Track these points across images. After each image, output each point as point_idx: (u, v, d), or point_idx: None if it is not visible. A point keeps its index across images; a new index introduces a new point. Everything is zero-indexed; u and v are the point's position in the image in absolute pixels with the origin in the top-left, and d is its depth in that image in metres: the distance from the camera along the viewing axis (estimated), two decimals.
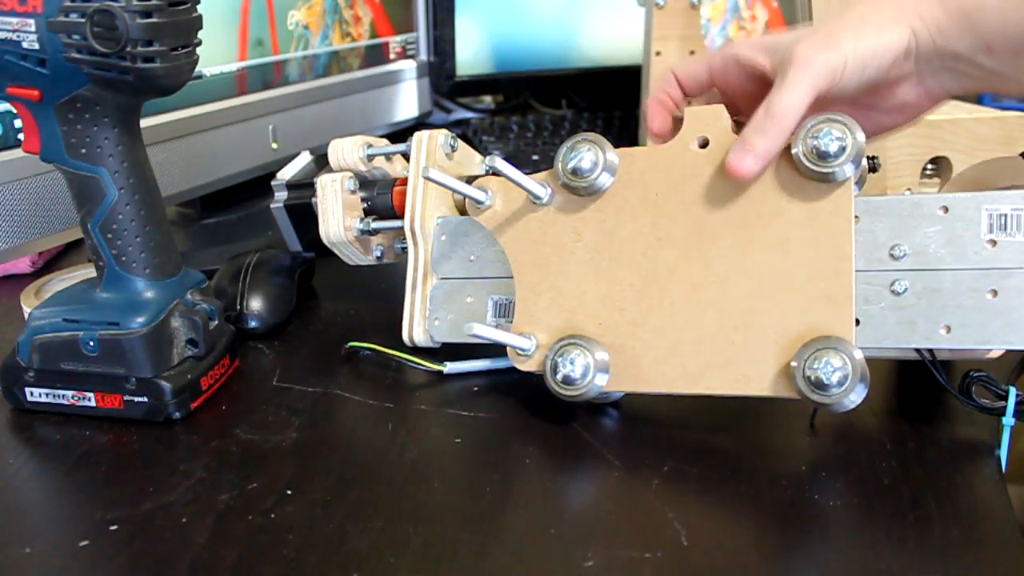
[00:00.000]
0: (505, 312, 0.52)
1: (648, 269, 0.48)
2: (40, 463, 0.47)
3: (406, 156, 0.57)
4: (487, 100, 1.29)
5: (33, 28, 0.43)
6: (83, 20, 0.42)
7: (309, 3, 0.88)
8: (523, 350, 0.49)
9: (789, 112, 0.43)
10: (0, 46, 0.44)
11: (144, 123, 0.50)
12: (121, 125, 0.47)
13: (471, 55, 1.12)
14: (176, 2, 0.44)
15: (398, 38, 1.05)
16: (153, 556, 0.39)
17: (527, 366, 0.50)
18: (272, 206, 0.65)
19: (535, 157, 0.97)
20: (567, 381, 0.47)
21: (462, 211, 0.56)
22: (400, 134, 1.11)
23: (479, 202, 0.52)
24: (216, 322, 0.52)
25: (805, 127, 0.43)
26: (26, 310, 0.62)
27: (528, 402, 0.52)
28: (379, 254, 0.60)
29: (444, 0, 1.08)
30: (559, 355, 0.48)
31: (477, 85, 1.18)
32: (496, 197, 0.52)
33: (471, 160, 0.60)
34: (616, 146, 0.49)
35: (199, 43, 0.47)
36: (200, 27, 0.47)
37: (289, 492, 0.43)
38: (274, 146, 0.84)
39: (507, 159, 0.49)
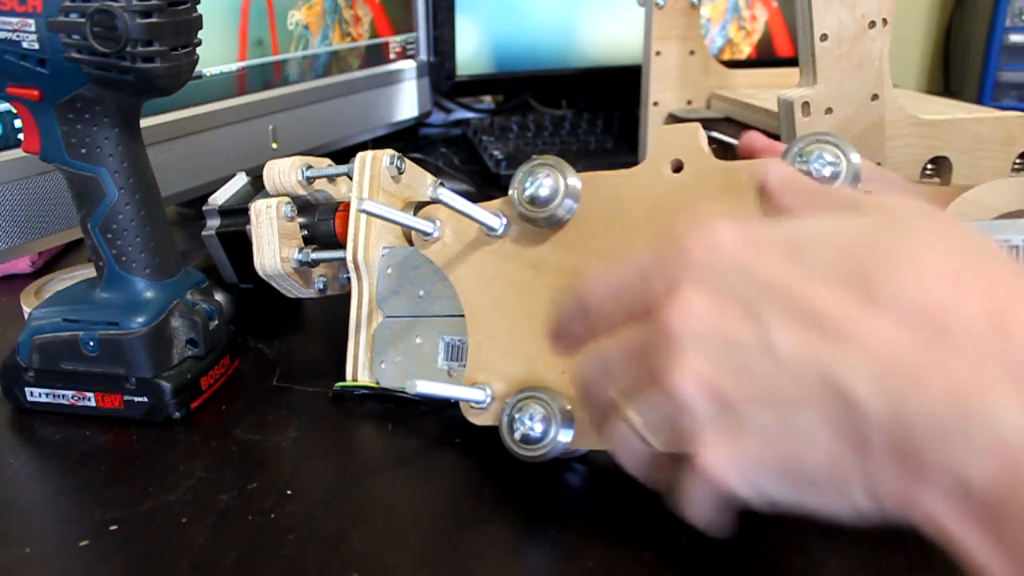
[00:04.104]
0: (458, 355, 0.48)
1: None
2: (40, 463, 0.47)
3: (352, 177, 0.53)
4: (487, 100, 1.29)
5: (33, 28, 0.43)
6: (83, 20, 0.42)
7: (309, 3, 0.88)
8: (477, 403, 0.44)
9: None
10: (0, 46, 0.44)
11: (144, 123, 0.50)
12: (121, 125, 0.47)
13: (471, 55, 1.12)
14: (176, 2, 0.44)
15: (398, 38, 1.05)
16: (153, 556, 0.39)
17: (482, 420, 0.45)
18: (203, 234, 0.60)
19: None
20: (526, 440, 0.42)
21: (411, 241, 0.51)
22: (400, 134, 1.11)
23: (426, 234, 0.46)
24: (216, 322, 0.52)
25: (792, 149, 0.39)
26: (26, 310, 0.62)
27: None
28: (321, 286, 0.56)
29: (444, 0, 1.08)
30: (516, 410, 0.42)
31: (477, 85, 1.18)
32: (445, 228, 0.46)
33: (421, 182, 0.56)
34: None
35: (199, 43, 0.47)
36: (200, 27, 0.47)
37: (289, 492, 0.43)
38: (274, 146, 0.84)
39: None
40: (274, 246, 0.53)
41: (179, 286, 0.51)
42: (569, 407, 0.43)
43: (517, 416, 0.42)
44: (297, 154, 0.56)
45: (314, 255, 0.54)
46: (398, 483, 0.44)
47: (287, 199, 0.54)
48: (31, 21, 0.43)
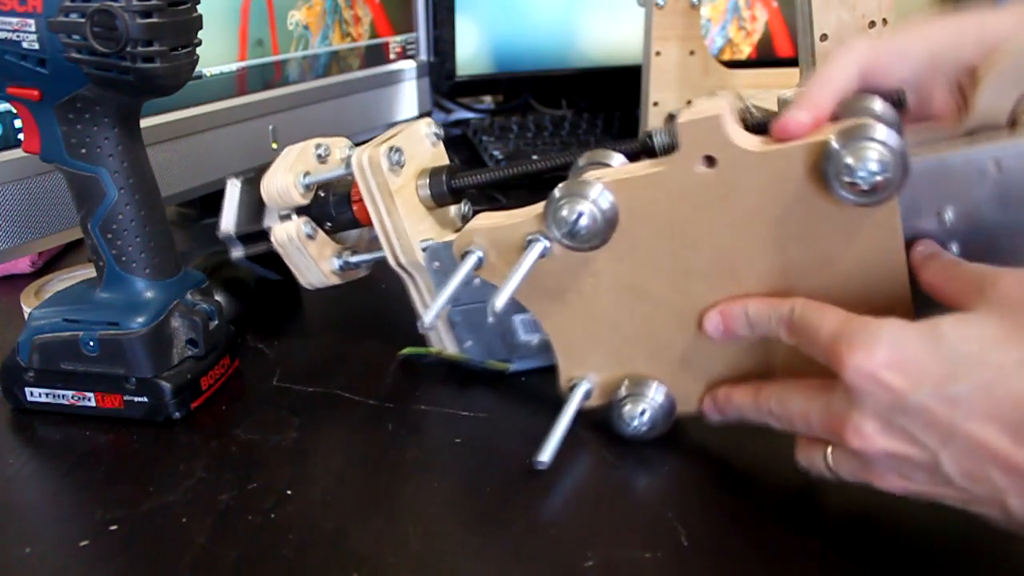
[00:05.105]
0: (536, 327, 0.50)
1: (683, 301, 0.44)
2: (40, 463, 0.47)
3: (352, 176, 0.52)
4: (487, 100, 1.29)
5: (33, 28, 0.43)
6: (83, 20, 0.42)
7: (309, 3, 0.88)
8: (587, 396, 0.48)
9: (830, 80, 0.41)
10: (0, 46, 0.44)
11: (144, 123, 0.50)
12: (121, 125, 0.47)
13: (471, 55, 1.12)
14: (176, 2, 0.44)
15: (398, 38, 1.05)
16: (153, 556, 0.39)
17: (591, 404, 0.48)
18: (233, 258, 0.59)
19: (535, 157, 0.97)
20: (637, 431, 0.46)
21: (437, 204, 0.52)
22: None
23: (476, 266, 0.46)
24: (216, 322, 0.52)
25: (835, 148, 0.37)
26: (26, 310, 0.62)
27: (528, 402, 0.52)
28: (366, 268, 0.57)
29: (444, 0, 1.08)
30: (622, 406, 0.46)
31: (477, 85, 1.18)
32: (489, 250, 0.46)
33: (417, 139, 0.54)
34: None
35: (199, 43, 0.47)
36: (200, 27, 0.47)
37: (289, 492, 0.43)
38: (274, 146, 0.84)
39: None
40: (313, 268, 0.54)
41: (179, 286, 0.51)
42: (664, 390, 0.46)
43: (624, 411, 0.46)
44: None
45: (354, 259, 0.55)
46: (398, 483, 0.44)
47: (303, 219, 0.53)
48: (31, 21, 0.43)
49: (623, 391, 0.46)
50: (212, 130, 0.75)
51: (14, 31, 0.44)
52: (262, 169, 0.56)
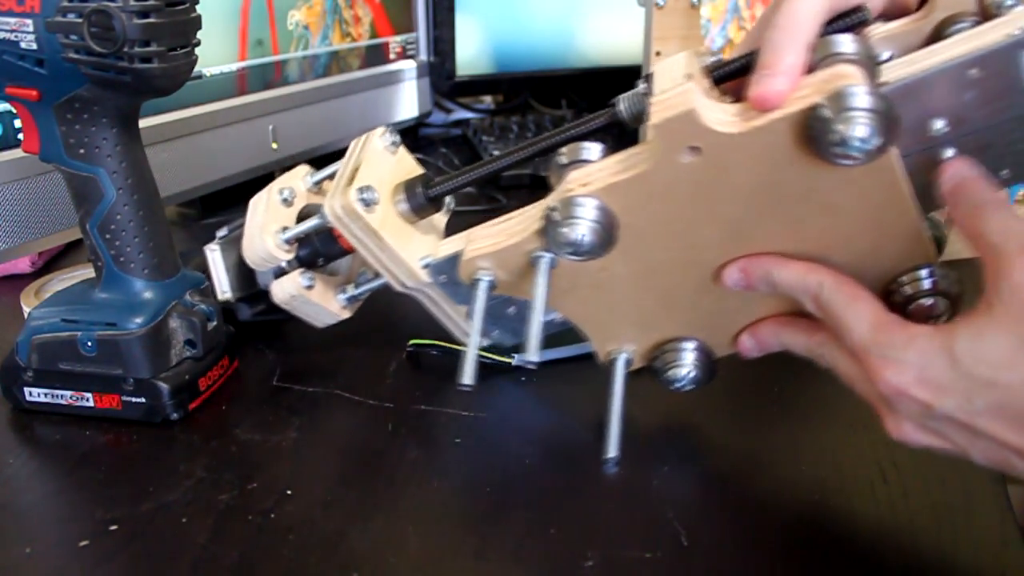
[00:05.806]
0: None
1: (698, 271, 0.44)
2: (40, 463, 0.47)
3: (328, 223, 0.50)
4: (487, 100, 1.29)
5: (31, 28, 0.43)
6: (80, 20, 0.42)
7: (309, 3, 0.88)
8: (628, 364, 0.48)
9: (797, 30, 0.39)
10: None
11: (144, 123, 0.50)
12: (120, 125, 0.47)
13: (471, 55, 1.12)
14: (174, 2, 0.44)
15: (398, 38, 1.05)
16: (153, 556, 0.39)
17: (634, 368, 0.49)
18: (241, 319, 0.58)
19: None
20: (684, 388, 0.48)
21: (416, 204, 0.50)
22: (400, 134, 1.11)
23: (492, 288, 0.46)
24: (215, 323, 0.52)
25: (823, 118, 0.36)
26: (26, 310, 0.62)
27: (528, 402, 0.52)
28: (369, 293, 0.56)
29: (444, 0, 1.08)
30: (665, 372, 0.48)
31: (477, 85, 1.18)
32: (497, 271, 0.46)
33: (383, 165, 0.52)
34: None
35: (197, 43, 0.46)
36: (198, 27, 0.46)
37: (289, 492, 0.43)
38: (274, 146, 0.84)
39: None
40: (322, 311, 0.54)
41: (177, 287, 0.51)
42: (697, 344, 0.47)
43: (668, 373, 0.47)
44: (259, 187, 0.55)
45: (358, 291, 0.54)
46: (398, 483, 0.44)
47: (298, 272, 0.53)
48: (29, 21, 0.43)
49: (663, 360, 0.48)
50: (212, 130, 0.75)
51: (12, 31, 0.44)
52: (235, 226, 0.56)
